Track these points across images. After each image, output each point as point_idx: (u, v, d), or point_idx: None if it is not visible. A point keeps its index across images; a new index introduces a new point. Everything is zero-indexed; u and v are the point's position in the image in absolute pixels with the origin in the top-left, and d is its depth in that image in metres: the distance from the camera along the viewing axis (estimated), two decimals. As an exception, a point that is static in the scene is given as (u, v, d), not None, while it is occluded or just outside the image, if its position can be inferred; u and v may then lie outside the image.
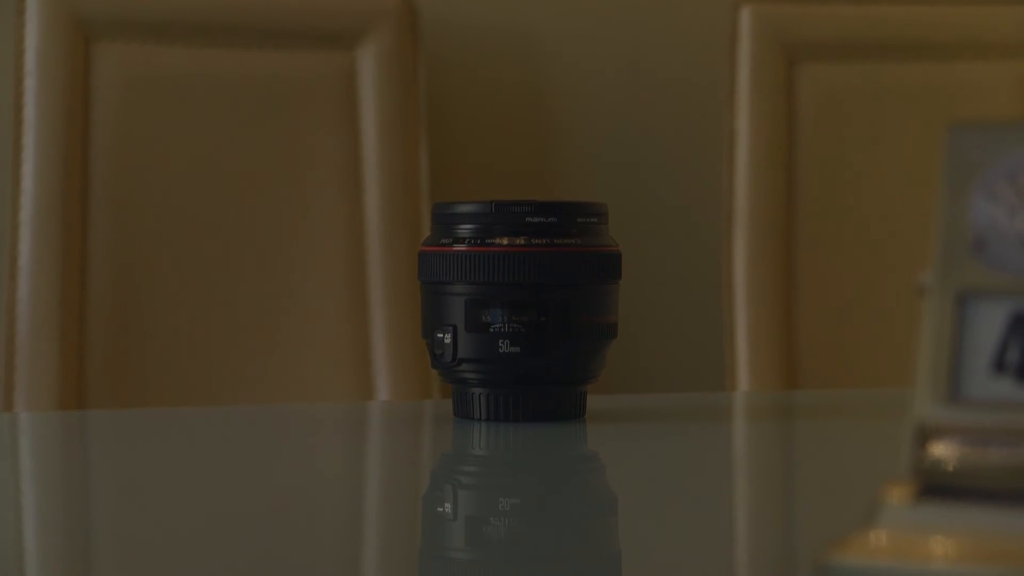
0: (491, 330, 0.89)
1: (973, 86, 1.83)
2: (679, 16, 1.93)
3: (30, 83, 1.58)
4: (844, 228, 1.80)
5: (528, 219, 0.89)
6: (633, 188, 1.91)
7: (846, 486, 0.73)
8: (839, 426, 0.99)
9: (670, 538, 0.59)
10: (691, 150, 1.93)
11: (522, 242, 0.89)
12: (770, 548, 0.60)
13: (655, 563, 0.55)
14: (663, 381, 1.90)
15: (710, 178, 1.87)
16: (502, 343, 0.89)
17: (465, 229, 0.90)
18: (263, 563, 0.56)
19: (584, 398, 0.93)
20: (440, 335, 0.90)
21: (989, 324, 0.48)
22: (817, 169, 1.80)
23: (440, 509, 0.69)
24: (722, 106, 1.81)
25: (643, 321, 1.88)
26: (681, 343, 1.92)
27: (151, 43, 1.62)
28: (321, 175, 1.65)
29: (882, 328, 1.77)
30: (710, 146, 1.88)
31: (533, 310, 0.89)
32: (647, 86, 1.93)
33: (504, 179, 1.88)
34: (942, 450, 0.47)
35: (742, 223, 1.78)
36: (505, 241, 0.90)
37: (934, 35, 1.84)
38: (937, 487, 0.48)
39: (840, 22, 1.83)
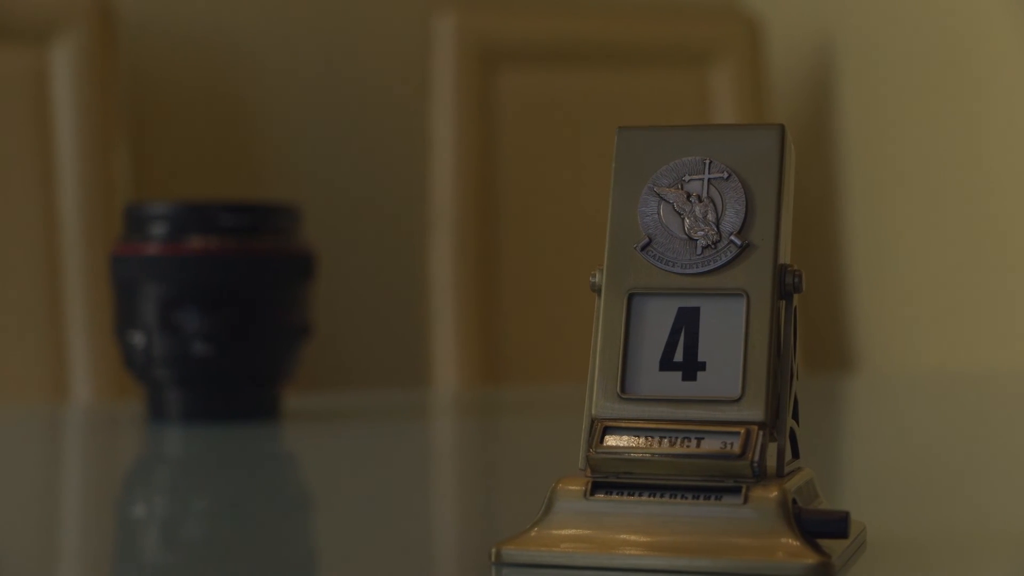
0: (184, 331, 0.88)
1: (660, 94, 1.89)
2: (380, 21, 1.94)
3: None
4: (543, 229, 1.83)
5: (221, 220, 0.89)
6: (334, 191, 1.91)
7: (536, 481, 0.75)
8: (536, 422, 1.01)
9: (365, 535, 0.60)
10: (392, 153, 1.94)
11: (215, 243, 0.89)
12: (459, 543, 0.62)
13: (351, 560, 0.56)
14: (365, 379, 1.90)
15: (411, 181, 1.88)
16: (195, 344, 0.88)
17: (158, 229, 0.89)
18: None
19: (279, 397, 0.93)
20: (133, 335, 0.89)
21: (657, 321, 0.50)
22: (517, 173, 1.83)
23: (135, 513, 0.69)
24: (423, 110, 1.83)
25: (344, 320, 1.88)
26: (383, 342, 1.93)
27: None
28: (16, 174, 1.62)
29: (580, 326, 1.81)
30: (411, 149, 1.89)
31: (226, 310, 0.88)
32: (348, 90, 1.93)
33: (206, 182, 1.87)
34: (613, 444, 0.49)
35: (444, 225, 1.79)
36: (199, 242, 0.89)
37: (624, 46, 1.89)
38: (609, 480, 0.49)
39: (538, 31, 1.87)
